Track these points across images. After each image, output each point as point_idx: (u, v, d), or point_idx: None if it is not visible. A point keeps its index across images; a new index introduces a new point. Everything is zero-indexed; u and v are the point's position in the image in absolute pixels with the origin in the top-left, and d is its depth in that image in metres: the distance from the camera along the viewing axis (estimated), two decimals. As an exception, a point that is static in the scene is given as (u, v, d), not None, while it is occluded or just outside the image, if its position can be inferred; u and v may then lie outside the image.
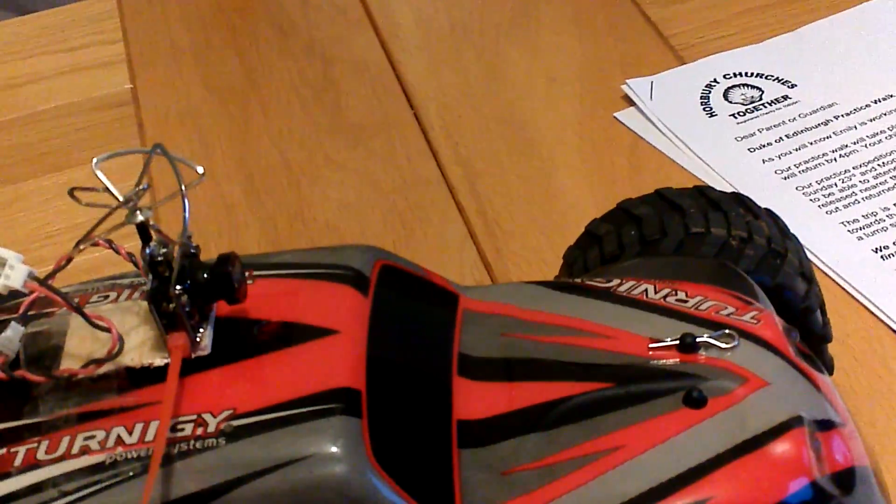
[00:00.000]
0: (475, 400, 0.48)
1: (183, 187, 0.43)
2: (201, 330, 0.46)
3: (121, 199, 0.44)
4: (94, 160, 0.44)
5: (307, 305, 0.48)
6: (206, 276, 0.45)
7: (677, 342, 0.49)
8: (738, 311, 0.51)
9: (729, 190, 0.80)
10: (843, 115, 0.86)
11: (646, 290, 0.52)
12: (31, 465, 0.43)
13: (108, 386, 0.46)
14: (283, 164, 0.92)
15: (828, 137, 0.85)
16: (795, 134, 0.86)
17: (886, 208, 0.78)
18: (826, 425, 0.47)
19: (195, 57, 1.05)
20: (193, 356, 0.46)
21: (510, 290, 0.54)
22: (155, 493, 0.42)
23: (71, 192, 0.44)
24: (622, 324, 0.51)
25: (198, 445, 0.43)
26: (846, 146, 0.84)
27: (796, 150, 0.84)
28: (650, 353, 0.49)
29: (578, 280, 0.54)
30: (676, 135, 0.87)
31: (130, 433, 0.44)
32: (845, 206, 0.79)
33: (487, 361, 0.50)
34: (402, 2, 1.10)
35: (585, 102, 0.94)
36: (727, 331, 0.49)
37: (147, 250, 0.45)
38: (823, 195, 0.80)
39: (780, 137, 0.86)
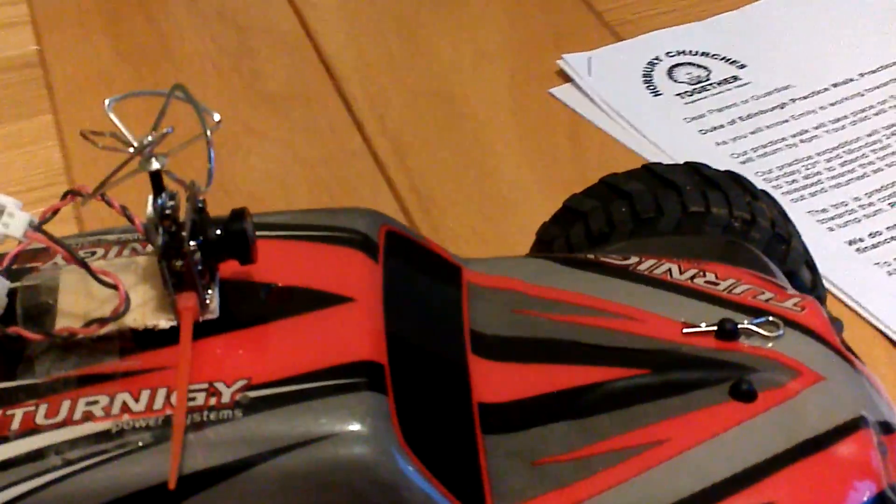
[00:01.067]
0: (494, 381, 0.44)
1: (208, 132, 0.38)
2: (209, 292, 0.41)
3: (136, 144, 0.39)
4: (107, 101, 0.39)
5: (317, 270, 0.43)
6: (218, 232, 0.40)
7: (714, 328, 0.46)
8: (778, 297, 0.47)
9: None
10: (800, 99, 0.84)
11: (669, 269, 0.49)
12: (31, 429, 0.38)
13: (109, 348, 0.41)
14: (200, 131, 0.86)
15: (785, 121, 0.83)
16: (749, 116, 0.83)
17: (857, 198, 0.76)
18: (888, 428, 0.44)
19: (103, 20, 0.99)
20: (202, 319, 0.40)
21: (514, 263, 0.50)
22: (163, 468, 0.37)
23: (84, 135, 0.39)
24: (649, 306, 0.47)
25: (212, 417, 0.38)
26: (806, 131, 0.81)
27: (752, 133, 0.82)
28: (684, 338, 0.46)
29: (591, 255, 0.50)
30: (620, 113, 0.84)
31: (136, 400, 0.39)
32: (812, 195, 0.76)
33: (501, 340, 0.46)
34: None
35: (517, 77, 0.91)
36: (771, 318, 0.46)
37: (159, 201, 0.39)
38: (786, 182, 0.78)
39: (733, 120, 0.83)
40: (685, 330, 0.46)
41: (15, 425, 0.38)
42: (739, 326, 0.46)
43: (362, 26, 0.97)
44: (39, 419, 0.39)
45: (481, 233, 0.77)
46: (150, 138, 0.39)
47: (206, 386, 0.39)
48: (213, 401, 0.39)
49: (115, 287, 0.40)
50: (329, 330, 0.41)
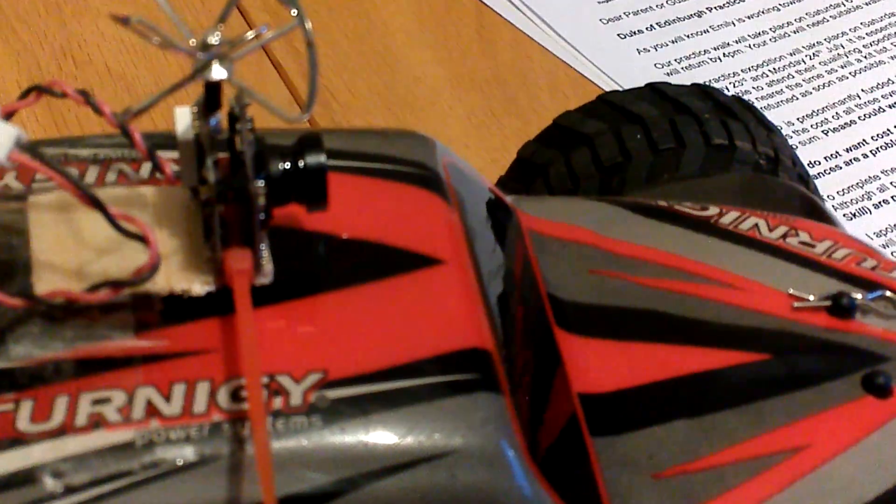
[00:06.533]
0: (589, 365, 0.35)
1: (308, 26, 0.27)
2: (262, 247, 0.30)
3: (194, 41, 0.27)
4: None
5: (390, 217, 0.33)
6: (286, 167, 0.29)
7: (829, 302, 0.38)
8: (883, 266, 0.40)
9: (603, 83, 0.70)
10: (716, 8, 0.77)
11: (756, 225, 0.41)
12: (11, 439, 0.27)
13: (120, 320, 0.29)
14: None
15: (705, 31, 0.75)
16: (668, 23, 0.76)
17: (790, 122, 0.70)
18: None
19: None
20: (254, 284, 0.29)
21: (575, 206, 0.41)
22: (217, 500, 0.26)
23: (125, 21, 0.27)
24: (748, 271, 0.39)
25: (279, 426, 0.28)
26: (728, 44, 0.75)
27: (672, 42, 0.74)
28: (796, 314, 0.37)
29: (663, 203, 0.41)
30: (528, 6, 0.74)
31: (168, 399, 0.28)
32: (743, 117, 0.69)
33: (586, 309, 0.37)
34: None
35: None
36: (888, 293, 0.38)
37: (213, 121, 0.28)
38: (715, 100, 0.70)
39: (651, 25, 0.75)
40: (795, 304, 0.38)
41: None
42: (856, 302, 0.38)
43: None
44: (23, 423, 0.27)
45: (392, 135, 0.66)
46: (217, 35, 0.27)
47: (266, 380, 0.28)
48: (278, 402, 0.28)
49: (139, 238, 0.28)
50: (420, 304, 0.31)
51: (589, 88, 0.71)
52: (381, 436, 0.28)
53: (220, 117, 0.28)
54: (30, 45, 0.70)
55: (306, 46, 0.27)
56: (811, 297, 0.38)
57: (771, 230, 0.41)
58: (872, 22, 0.76)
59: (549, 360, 0.34)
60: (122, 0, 0.73)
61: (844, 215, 0.66)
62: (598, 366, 0.35)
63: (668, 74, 0.72)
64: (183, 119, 0.29)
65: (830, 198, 0.67)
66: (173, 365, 0.28)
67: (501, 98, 0.70)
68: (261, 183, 0.28)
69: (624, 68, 0.72)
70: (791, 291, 0.38)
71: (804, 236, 0.40)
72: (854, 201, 0.66)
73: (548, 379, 0.34)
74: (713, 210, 0.41)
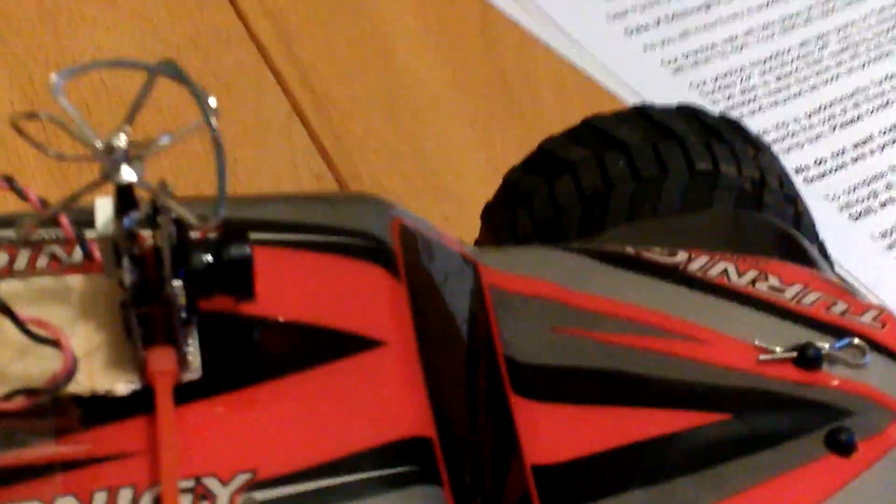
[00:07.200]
0: (545, 433, 0.34)
1: (213, 122, 0.26)
2: (189, 341, 0.29)
3: (100, 144, 0.26)
4: (55, 76, 0.26)
5: (329, 297, 0.32)
6: (208, 259, 0.29)
7: (794, 354, 0.37)
8: (853, 309, 0.39)
9: (610, 82, 0.68)
10: (724, 0, 0.75)
11: (726, 270, 0.39)
12: None
13: (39, 426, 0.28)
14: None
15: (713, 24, 0.74)
16: (675, 17, 0.74)
17: (797, 118, 0.68)
18: None
19: None
20: (180, 382, 0.29)
21: (540, 258, 0.40)
22: None
23: (15, 125, 0.26)
24: (714, 322, 0.38)
25: None
26: (736, 37, 0.73)
27: (681, 36, 0.73)
28: (760, 368, 0.36)
29: (630, 250, 0.40)
30: (534, 2, 0.73)
31: None
32: (751, 113, 0.68)
33: (544, 371, 0.36)
34: None
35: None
36: (856, 340, 0.37)
37: (126, 221, 0.27)
38: (723, 96, 0.70)
39: (658, 20, 0.74)
40: (760, 357, 0.37)
41: None
42: (822, 352, 0.37)
43: None
44: None
45: (393, 145, 0.66)
46: (122, 137, 0.26)
47: (191, 484, 0.28)
48: None
49: (54, 343, 0.28)
50: (358, 392, 0.30)
51: (595, 92, 0.70)
52: None
53: (137, 217, 0.28)
54: (22, 58, 0.69)
55: (213, 147, 0.26)
56: (777, 349, 0.37)
57: (740, 275, 0.39)
58: (883, 10, 0.74)
59: (502, 434, 0.34)
60: (116, 10, 0.73)
61: (850, 215, 0.65)
62: (554, 434, 0.34)
63: (675, 71, 0.71)
64: (103, 212, 0.28)
65: (836, 197, 0.66)
66: (95, 471, 0.28)
67: (505, 102, 0.69)
68: (178, 283, 0.28)
69: (631, 66, 0.71)
70: (757, 343, 0.37)
71: (774, 280, 0.39)
72: (860, 200, 0.65)
73: (500, 454, 0.33)
74: (682, 256, 0.40)
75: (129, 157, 0.27)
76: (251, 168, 0.64)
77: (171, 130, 0.27)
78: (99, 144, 0.26)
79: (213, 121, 0.26)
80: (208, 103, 0.26)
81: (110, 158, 0.26)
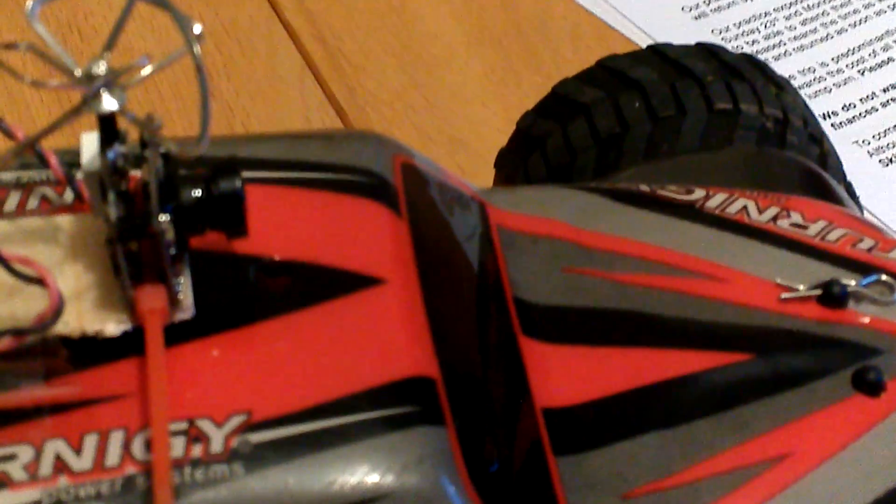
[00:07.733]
0: (555, 376, 0.33)
1: (196, 49, 0.25)
2: (180, 280, 0.28)
3: (79, 71, 0.25)
4: (31, 2, 0.25)
5: (327, 234, 0.31)
6: (198, 194, 0.27)
7: (819, 291, 0.35)
8: (881, 246, 0.37)
9: (629, 30, 0.67)
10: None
11: (745, 207, 0.38)
12: None
13: (27, 367, 0.27)
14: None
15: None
16: (694, -41, 0.72)
17: (824, 63, 0.66)
18: None
19: None
20: (171, 322, 0.28)
21: (550, 196, 0.38)
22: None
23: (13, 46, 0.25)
24: (733, 260, 0.36)
25: (198, 476, 0.26)
26: (756, -20, 0.71)
27: (697, -22, 0.71)
28: (783, 306, 0.35)
29: (645, 187, 0.39)
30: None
31: (78, 452, 0.26)
32: (775, 59, 0.67)
33: (555, 312, 0.35)
34: None
35: None
36: (884, 277, 0.36)
37: (111, 154, 0.26)
38: (746, 42, 0.68)
39: (679, -37, 0.72)
40: (783, 295, 0.35)
41: None
42: (848, 289, 0.35)
43: None
44: None
45: (407, 99, 0.65)
46: (102, 64, 0.25)
47: (184, 426, 0.27)
48: (197, 450, 0.26)
49: (40, 282, 0.27)
50: (357, 331, 0.29)
51: (612, 39, 0.68)
52: (307, 482, 0.26)
53: (121, 150, 0.27)
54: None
55: (196, 74, 0.25)
56: (800, 287, 0.36)
57: (761, 212, 0.38)
58: (913, -56, 0.72)
59: (510, 377, 0.32)
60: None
61: (880, 161, 0.63)
62: (566, 376, 0.33)
63: (696, 17, 0.70)
64: (89, 147, 0.27)
65: (866, 143, 0.64)
66: (85, 413, 0.27)
67: (521, 52, 0.68)
68: (164, 218, 0.27)
69: (651, 13, 0.69)
70: (779, 281, 0.36)
71: (796, 217, 0.38)
72: (891, 145, 0.63)
73: (509, 397, 0.32)
74: (699, 193, 0.38)
75: (110, 84, 0.25)
76: (264, 123, 0.63)
77: (151, 54, 0.26)
78: (78, 72, 0.25)
79: (197, 48, 0.25)
80: (191, 29, 0.25)
81: (90, 86, 0.25)
